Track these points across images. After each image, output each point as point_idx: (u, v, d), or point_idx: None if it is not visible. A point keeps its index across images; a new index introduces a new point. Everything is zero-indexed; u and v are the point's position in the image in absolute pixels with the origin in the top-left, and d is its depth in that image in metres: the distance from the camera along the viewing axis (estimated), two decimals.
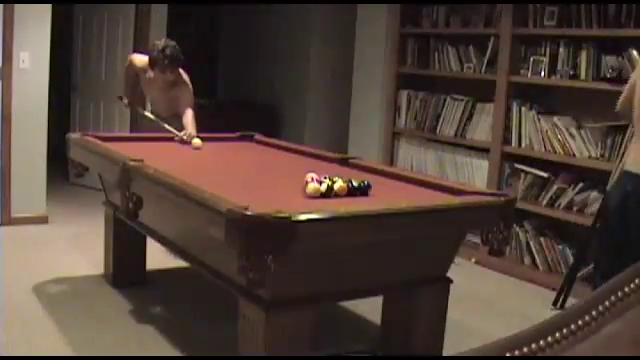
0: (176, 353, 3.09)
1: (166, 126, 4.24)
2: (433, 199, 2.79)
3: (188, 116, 4.22)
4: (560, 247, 4.33)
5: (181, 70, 4.36)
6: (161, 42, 4.23)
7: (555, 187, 4.37)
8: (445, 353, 2.92)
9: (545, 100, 4.57)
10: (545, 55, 4.42)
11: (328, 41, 6.65)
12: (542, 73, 4.44)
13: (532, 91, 4.58)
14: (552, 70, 4.38)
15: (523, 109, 4.55)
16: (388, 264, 2.65)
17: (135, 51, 5.17)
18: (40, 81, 4.96)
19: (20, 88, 4.87)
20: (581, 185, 4.24)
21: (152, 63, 4.20)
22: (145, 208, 2.92)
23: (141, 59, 4.40)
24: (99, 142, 3.69)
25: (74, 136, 3.91)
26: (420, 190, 2.99)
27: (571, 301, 3.91)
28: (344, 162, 3.56)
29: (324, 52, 6.67)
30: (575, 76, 4.25)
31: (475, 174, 4.90)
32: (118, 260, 3.87)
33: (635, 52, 3.91)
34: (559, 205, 4.35)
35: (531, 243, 4.49)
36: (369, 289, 2.73)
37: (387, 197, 2.74)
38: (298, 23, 6.81)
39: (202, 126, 4.26)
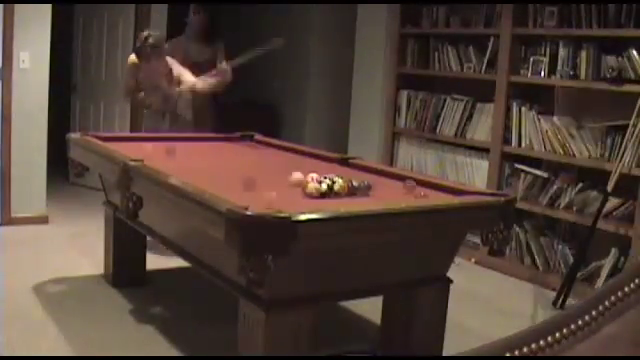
0: (176, 353, 3.09)
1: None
2: (433, 199, 2.79)
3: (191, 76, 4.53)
4: (560, 247, 4.33)
5: (169, 58, 4.46)
6: (144, 32, 4.39)
7: (555, 187, 4.37)
8: (445, 353, 2.92)
9: (545, 100, 4.57)
10: (545, 55, 4.41)
11: (328, 41, 6.64)
12: (542, 73, 4.44)
13: (532, 91, 4.58)
14: (552, 70, 4.38)
15: (523, 109, 4.55)
16: (388, 264, 2.65)
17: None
18: (40, 81, 4.96)
19: (20, 88, 4.87)
20: (581, 185, 4.24)
21: (139, 55, 4.34)
22: (145, 208, 2.92)
23: (133, 56, 4.53)
24: (99, 142, 3.70)
25: (74, 136, 3.91)
26: (420, 190, 2.98)
27: (571, 301, 3.91)
28: (344, 162, 3.56)
29: (324, 52, 6.67)
30: (575, 76, 4.25)
31: (475, 174, 4.90)
32: (118, 260, 3.87)
33: (635, 52, 3.91)
34: (559, 205, 4.35)
35: (531, 243, 4.49)
36: (369, 289, 2.72)
37: (387, 197, 2.74)
38: (298, 23, 6.80)
39: (202, 126, 4.27)
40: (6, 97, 4.85)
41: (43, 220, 5.11)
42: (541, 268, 4.43)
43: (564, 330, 1.03)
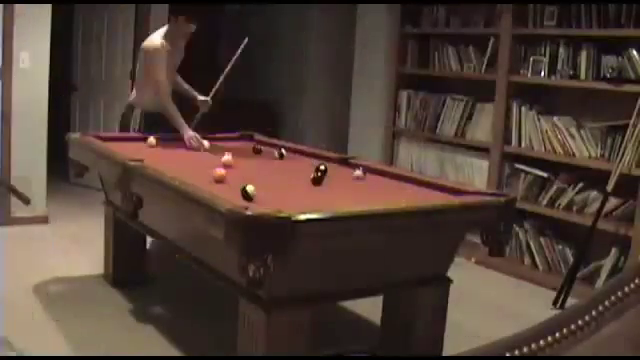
0: (176, 353, 3.09)
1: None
2: (433, 199, 2.79)
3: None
4: (560, 247, 4.33)
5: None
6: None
7: (555, 187, 4.37)
8: (445, 353, 2.92)
9: (545, 100, 4.57)
10: (545, 55, 4.41)
11: (328, 41, 6.64)
12: (542, 73, 4.44)
13: (532, 91, 4.58)
14: (552, 70, 4.38)
15: (523, 109, 4.55)
16: (388, 264, 2.65)
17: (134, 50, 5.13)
18: (40, 81, 4.96)
19: (20, 88, 4.87)
20: (581, 185, 4.24)
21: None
22: (145, 208, 2.92)
23: (155, 38, 4.12)
24: (99, 142, 3.70)
25: (74, 136, 3.91)
26: (420, 190, 2.99)
27: (571, 301, 3.90)
28: (344, 162, 3.56)
29: (324, 52, 6.67)
30: (575, 76, 4.25)
31: (475, 174, 4.90)
32: (118, 260, 3.87)
33: (635, 52, 3.91)
34: (559, 205, 4.35)
35: (531, 243, 4.49)
36: (369, 289, 2.72)
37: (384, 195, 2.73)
38: (298, 23, 6.80)
39: (203, 125, 4.26)
40: (6, 97, 4.85)
41: (43, 220, 5.11)
42: (541, 268, 4.43)
43: (564, 330, 1.03)
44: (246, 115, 6.46)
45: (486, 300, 4.09)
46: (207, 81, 4.68)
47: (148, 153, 3.43)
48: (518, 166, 4.59)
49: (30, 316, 3.39)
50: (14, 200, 4.96)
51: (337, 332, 3.39)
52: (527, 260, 4.52)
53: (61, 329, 3.24)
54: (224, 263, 2.55)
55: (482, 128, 4.85)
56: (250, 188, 2.61)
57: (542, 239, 4.43)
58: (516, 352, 1.00)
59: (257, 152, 3.87)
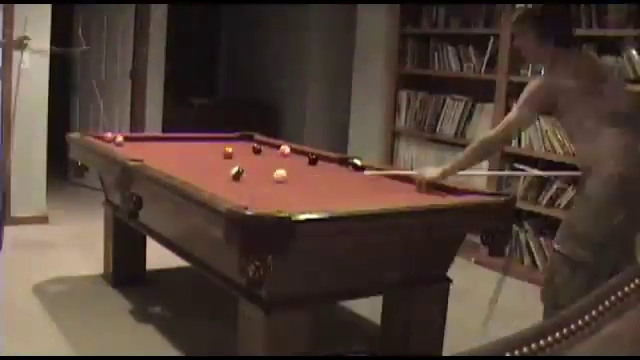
0: (176, 353, 3.09)
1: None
2: (433, 199, 2.79)
3: None
4: None
5: None
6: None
7: (555, 187, 4.37)
8: (445, 353, 2.91)
9: None
10: None
11: (328, 41, 6.64)
12: (542, 73, 4.43)
13: None
14: None
15: None
16: (388, 264, 2.65)
17: (137, 52, 5.10)
18: (40, 81, 4.96)
19: (20, 88, 4.87)
20: None
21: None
22: (145, 208, 2.92)
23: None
24: (99, 142, 3.70)
25: (74, 136, 3.91)
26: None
27: None
28: (344, 162, 3.56)
29: (324, 52, 6.67)
30: None
31: None
32: (118, 260, 3.87)
33: (635, 52, 3.91)
34: (559, 205, 4.35)
35: (531, 243, 4.49)
36: (369, 289, 2.73)
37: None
38: (298, 23, 6.80)
39: (203, 125, 4.27)
40: (6, 97, 4.85)
41: (43, 220, 5.11)
42: (541, 268, 4.43)
43: (564, 330, 1.03)
44: (246, 114, 6.47)
45: (486, 300, 4.08)
46: (207, 79, 4.70)
47: (148, 153, 3.42)
48: (518, 166, 4.59)
49: (30, 316, 3.39)
50: (14, 200, 4.98)
51: (337, 332, 3.39)
52: (527, 260, 4.52)
53: (61, 329, 3.24)
54: (224, 263, 2.55)
55: (482, 128, 4.84)
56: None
57: (542, 239, 4.43)
58: (516, 352, 1.00)
59: (257, 152, 3.87)
